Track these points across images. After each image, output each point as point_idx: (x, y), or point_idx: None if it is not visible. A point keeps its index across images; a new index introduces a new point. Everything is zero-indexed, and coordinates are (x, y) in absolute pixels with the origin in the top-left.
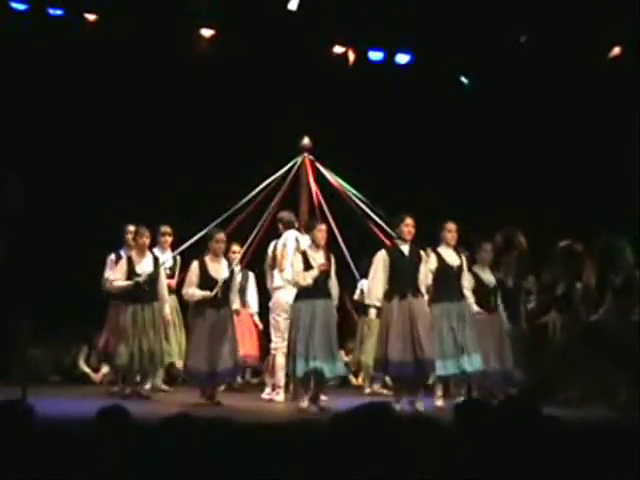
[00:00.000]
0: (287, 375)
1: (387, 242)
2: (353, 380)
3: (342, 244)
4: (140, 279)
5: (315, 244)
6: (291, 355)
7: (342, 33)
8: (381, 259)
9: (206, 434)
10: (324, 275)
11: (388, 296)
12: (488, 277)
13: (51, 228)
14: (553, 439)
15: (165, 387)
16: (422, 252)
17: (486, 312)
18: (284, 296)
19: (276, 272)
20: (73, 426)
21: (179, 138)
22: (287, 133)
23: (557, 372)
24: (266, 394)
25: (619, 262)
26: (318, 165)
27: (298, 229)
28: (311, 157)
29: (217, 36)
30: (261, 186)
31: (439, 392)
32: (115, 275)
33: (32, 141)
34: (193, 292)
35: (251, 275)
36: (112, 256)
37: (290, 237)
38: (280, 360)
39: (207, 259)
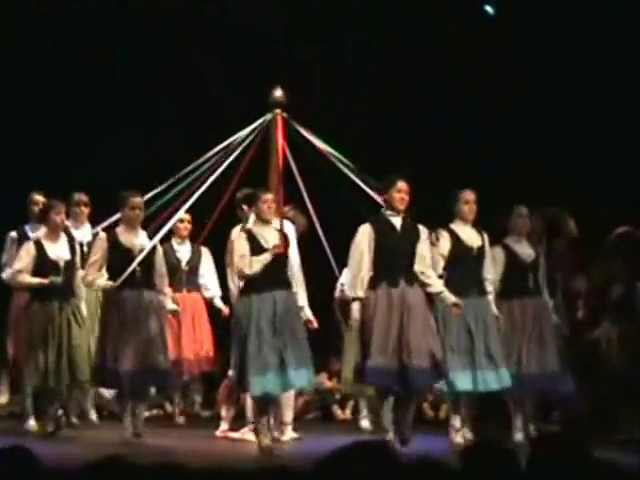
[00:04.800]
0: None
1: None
2: (338, 412)
3: (318, 227)
4: (57, 279)
5: (261, 219)
6: (238, 369)
7: None
8: (365, 235)
9: None
10: (280, 261)
11: (373, 283)
12: (525, 250)
13: None
14: None
15: (94, 417)
16: (428, 232)
17: (520, 296)
18: None
19: None
20: None
21: (124, 89)
22: (256, 84)
23: (613, 402)
24: (221, 431)
25: None
26: (294, 124)
27: (247, 202)
28: (284, 114)
29: None
30: (214, 150)
31: (456, 422)
32: (20, 264)
33: None
34: (92, 278)
35: (205, 251)
36: (13, 234)
37: None
38: None
39: (120, 230)
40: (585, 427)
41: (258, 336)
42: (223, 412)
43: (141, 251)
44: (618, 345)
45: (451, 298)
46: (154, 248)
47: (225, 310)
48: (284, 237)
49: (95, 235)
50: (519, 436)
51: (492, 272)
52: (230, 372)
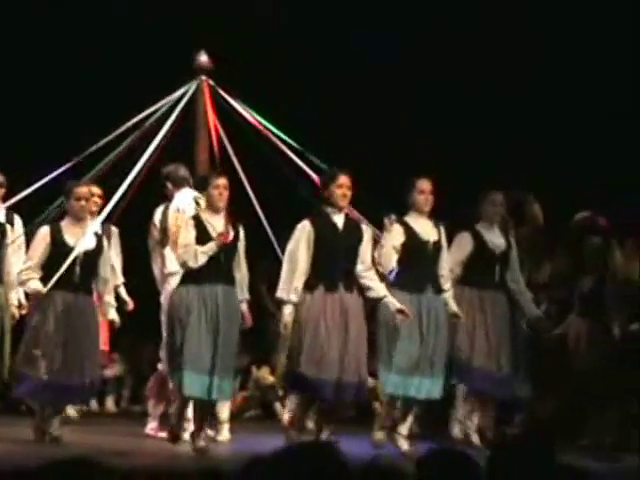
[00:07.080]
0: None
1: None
2: (281, 410)
3: (258, 208)
4: None
5: (212, 207)
6: (172, 368)
7: None
8: (304, 234)
9: None
10: (227, 252)
11: (309, 285)
12: (495, 240)
13: None
14: None
15: None
16: (385, 223)
17: (483, 288)
18: None
19: (168, 251)
20: None
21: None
22: (178, 47)
23: (580, 405)
24: (150, 428)
25: None
26: (221, 92)
27: (196, 187)
28: (211, 81)
29: None
30: (133, 120)
31: (403, 429)
32: None
33: None
34: (27, 278)
35: (114, 231)
36: None
37: (185, 199)
38: None
39: (64, 224)
40: (549, 430)
41: (196, 332)
42: (150, 408)
43: (86, 253)
44: (586, 342)
45: (395, 304)
46: (100, 248)
47: (130, 304)
48: (233, 225)
49: (9, 217)
50: (456, 431)
51: (448, 268)
52: (160, 365)
